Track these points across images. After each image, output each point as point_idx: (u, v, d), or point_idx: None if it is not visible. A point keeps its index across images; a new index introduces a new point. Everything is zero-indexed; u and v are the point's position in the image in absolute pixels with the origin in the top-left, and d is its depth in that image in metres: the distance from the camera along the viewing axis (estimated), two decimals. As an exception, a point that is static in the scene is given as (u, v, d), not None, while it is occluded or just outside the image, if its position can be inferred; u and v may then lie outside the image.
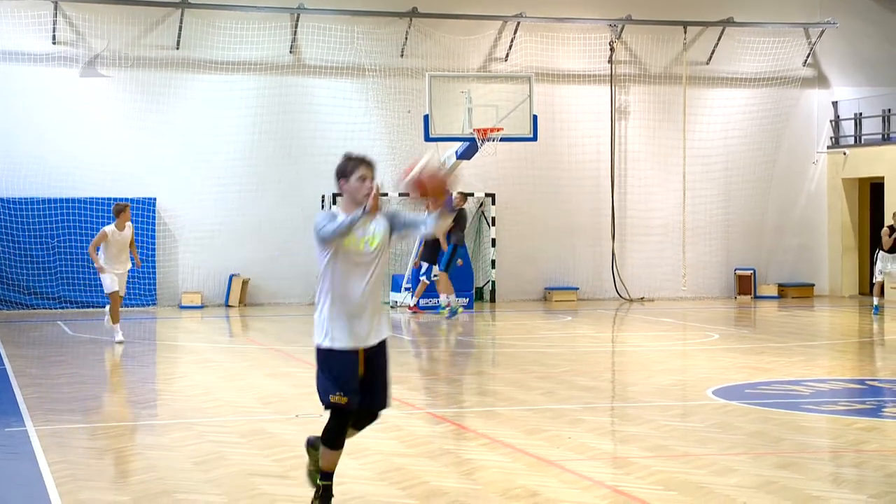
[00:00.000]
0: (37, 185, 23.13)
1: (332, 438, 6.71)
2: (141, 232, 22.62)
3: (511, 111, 22.19)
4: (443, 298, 21.25)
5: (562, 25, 25.93)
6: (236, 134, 24.20)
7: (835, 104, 27.59)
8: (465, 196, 21.76)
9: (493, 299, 25.25)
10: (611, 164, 26.24)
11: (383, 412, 6.86)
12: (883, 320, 20.49)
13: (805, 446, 9.08)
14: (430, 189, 6.44)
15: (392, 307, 23.19)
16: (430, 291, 21.97)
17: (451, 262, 21.27)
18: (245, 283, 24.12)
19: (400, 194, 22.97)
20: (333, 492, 6.83)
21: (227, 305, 23.85)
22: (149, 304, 23.48)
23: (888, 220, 22.72)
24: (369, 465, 8.26)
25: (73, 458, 8.54)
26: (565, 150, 26.04)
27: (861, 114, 27.25)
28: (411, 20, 24.98)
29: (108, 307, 16.74)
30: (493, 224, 25.11)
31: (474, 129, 21.84)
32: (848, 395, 12.00)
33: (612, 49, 26.16)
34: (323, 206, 24.15)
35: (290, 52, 24.63)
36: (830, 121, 27.65)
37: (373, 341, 6.72)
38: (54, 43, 23.33)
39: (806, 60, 27.47)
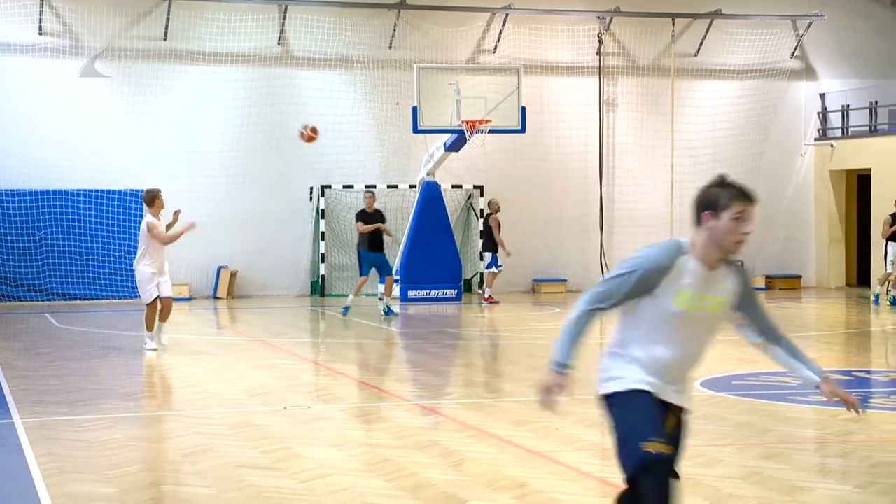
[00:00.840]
0: (23, 177, 23.03)
1: None
2: (128, 224, 22.53)
3: (499, 103, 22.19)
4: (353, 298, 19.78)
5: (550, 17, 25.90)
6: (224, 126, 24.12)
7: (822, 96, 27.63)
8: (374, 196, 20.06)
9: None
10: (599, 155, 26.25)
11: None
12: (880, 312, 20.51)
13: (791, 437, 9.11)
14: None
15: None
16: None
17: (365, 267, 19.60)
18: (233, 275, 24.08)
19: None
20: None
21: (216, 297, 23.81)
22: (136, 297, 23.34)
23: (881, 211, 22.64)
24: (357, 456, 8.26)
25: (59, 450, 8.52)
26: (553, 141, 26.04)
27: (848, 106, 27.30)
28: (399, 12, 24.93)
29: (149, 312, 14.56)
30: (482, 216, 25.11)
31: (463, 121, 21.83)
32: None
33: (600, 41, 26.15)
34: (311, 199, 24.06)
35: (278, 43, 24.56)
36: (818, 113, 27.69)
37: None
38: (41, 34, 23.24)
39: (793, 52, 27.51)
